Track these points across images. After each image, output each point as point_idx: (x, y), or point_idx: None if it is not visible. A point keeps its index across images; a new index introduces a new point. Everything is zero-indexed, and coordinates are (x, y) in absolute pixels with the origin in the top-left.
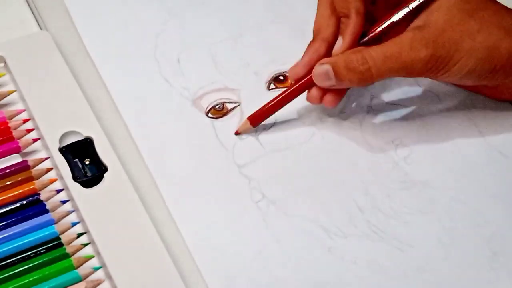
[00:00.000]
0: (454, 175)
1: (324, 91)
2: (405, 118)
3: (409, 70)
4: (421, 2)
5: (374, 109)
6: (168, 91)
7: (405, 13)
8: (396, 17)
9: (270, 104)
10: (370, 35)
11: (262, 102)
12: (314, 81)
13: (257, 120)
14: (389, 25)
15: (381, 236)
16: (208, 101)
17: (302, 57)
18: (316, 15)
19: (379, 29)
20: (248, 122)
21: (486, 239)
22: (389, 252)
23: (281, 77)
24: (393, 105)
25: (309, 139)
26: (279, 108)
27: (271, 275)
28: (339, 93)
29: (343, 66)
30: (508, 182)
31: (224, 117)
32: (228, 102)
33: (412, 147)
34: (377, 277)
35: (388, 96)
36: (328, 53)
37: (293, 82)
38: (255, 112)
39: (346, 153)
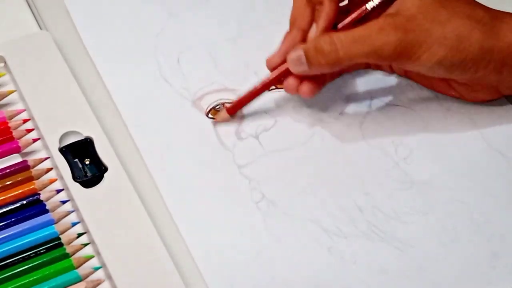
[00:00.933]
0: (454, 175)
1: (301, 79)
2: (405, 118)
3: (378, 54)
4: None
5: (374, 110)
6: (168, 92)
7: (378, 2)
8: (369, 5)
9: (247, 93)
10: (343, 22)
11: (262, 102)
12: (289, 68)
13: (234, 109)
14: (361, 13)
15: (381, 236)
16: (208, 102)
17: (279, 46)
18: (293, 5)
19: (352, 16)
20: (225, 111)
21: (486, 239)
22: (389, 252)
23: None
24: (393, 105)
25: (309, 140)
26: (255, 97)
27: (271, 275)
28: (316, 82)
29: (312, 49)
30: (508, 182)
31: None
32: (228, 103)
33: (412, 147)
34: (377, 277)
35: (388, 96)
36: (304, 41)
37: (270, 72)
38: (233, 103)
39: (346, 154)
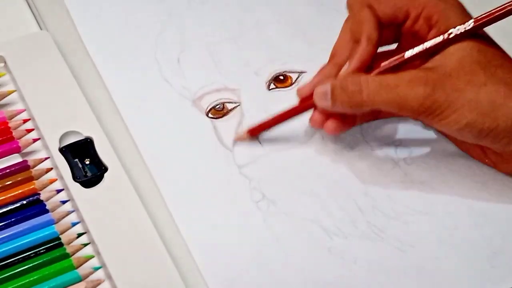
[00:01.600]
0: (454, 174)
1: (327, 115)
2: (405, 119)
3: (402, 105)
4: (437, 44)
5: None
6: (168, 91)
7: (418, 51)
8: (408, 54)
9: (271, 119)
10: (379, 68)
11: (262, 102)
12: (314, 100)
13: (256, 132)
14: (399, 60)
15: (381, 236)
16: (208, 101)
17: (312, 78)
18: (337, 39)
19: (389, 61)
20: (247, 134)
21: (486, 239)
22: (389, 252)
23: (281, 77)
24: None
25: (309, 140)
26: (279, 123)
27: (271, 275)
28: (342, 121)
29: (339, 86)
30: (509, 181)
31: (224, 117)
32: (228, 102)
33: (412, 148)
34: (377, 277)
35: None
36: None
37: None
38: (255, 126)
39: (346, 154)
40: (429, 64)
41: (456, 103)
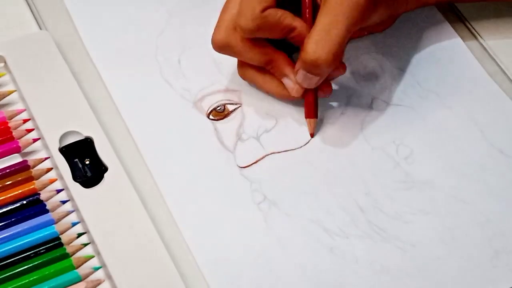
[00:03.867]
0: (455, 174)
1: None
2: (405, 118)
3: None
4: None
5: (374, 110)
6: (168, 92)
7: None
8: None
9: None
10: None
11: (263, 102)
12: (304, 86)
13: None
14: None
15: (383, 236)
16: (209, 103)
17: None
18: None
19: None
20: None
21: (487, 238)
22: (391, 252)
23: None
24: (394, 105)
25: (310, 140)
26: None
27: (273, 276)
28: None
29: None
30: (509, 180)
31: (225, 119)
32: (229, 104)
33: (413, 147)
34: (379, 277)
35: (389, 96)
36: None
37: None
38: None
39: (347, 154)
40: None
41: None
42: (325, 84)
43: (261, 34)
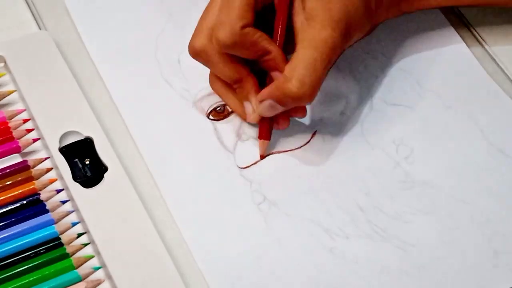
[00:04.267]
0: (455, 174)
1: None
2: (405, 118)
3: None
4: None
5: (374, 110)
6: (168, 92)
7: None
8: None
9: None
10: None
11: None
12: (263, 114)
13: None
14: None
15: (383, 236)
16: (209, 103)
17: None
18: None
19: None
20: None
21: (487, 238)
22: (391, 252)
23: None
24: (394, 105)
25: (310, 140)
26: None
27: (273, 276)
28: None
29: (282, 95)
30: (509, 180)
31: (225, 119)
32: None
33: (413, 147)
34: (379, 277)
35: (389, 96)
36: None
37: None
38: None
39: (347, 154)
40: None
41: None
42: (284, 118)
43: (236, 51)
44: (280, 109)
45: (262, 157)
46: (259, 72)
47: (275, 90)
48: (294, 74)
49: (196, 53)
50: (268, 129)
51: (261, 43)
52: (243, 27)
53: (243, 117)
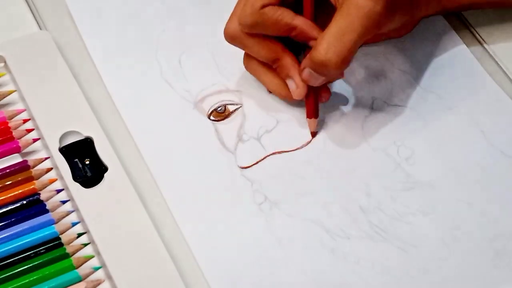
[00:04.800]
0: (456, 175)
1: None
2: (406, 119)
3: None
4: None
5: (375, 111)
6: (169, 93)
7: None
8: None
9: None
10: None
11: (264, 102)
12: (309, 82)
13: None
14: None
15: (384, 236)
16: (210, 104)
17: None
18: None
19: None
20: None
21: (488, 238)
22: (392, 253)
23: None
24: (395, 106)
25: (311, 141)
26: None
27: (274, 277)
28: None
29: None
30: (510, 181)
31: (226, 120)
32: (229, 104)
33: (414, 148)
34: (380, 278)
35: (389, 97)
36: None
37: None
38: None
39: (347, 155)
40: None
41: None
42: (324, 89)
43: (259, 30)
44: (318, 77)
45: (314, 134)
46: (302, 46)
47: (307, 58)
48: (322, 40)
49: (231, 38)
50: (314, 107)
51: (283, 20)
52: (263, 6)
53: (286, 96)
